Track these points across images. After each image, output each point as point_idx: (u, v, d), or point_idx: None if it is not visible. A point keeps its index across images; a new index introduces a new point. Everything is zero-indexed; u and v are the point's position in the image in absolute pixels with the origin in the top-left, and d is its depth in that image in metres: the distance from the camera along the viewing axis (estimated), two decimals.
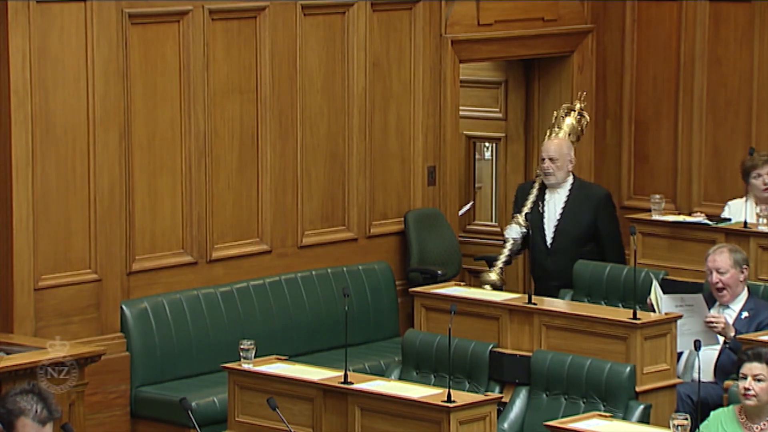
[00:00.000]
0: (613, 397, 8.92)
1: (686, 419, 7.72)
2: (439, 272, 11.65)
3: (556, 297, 10.56)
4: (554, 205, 10.75)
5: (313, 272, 11.36)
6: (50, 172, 10.26)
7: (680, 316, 9.53)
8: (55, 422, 6.76)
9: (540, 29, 12.97)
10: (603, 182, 13.03)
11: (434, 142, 12.40)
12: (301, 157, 11.55)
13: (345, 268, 11.57)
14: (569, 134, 11.07)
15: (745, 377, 8.01)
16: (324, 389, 8.65)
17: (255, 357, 9.02)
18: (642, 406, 8.89)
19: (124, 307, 10.31)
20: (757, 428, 8.05)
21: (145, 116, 10.81)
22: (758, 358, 8.09)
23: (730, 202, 11.50)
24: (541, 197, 10.83)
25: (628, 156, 12.63)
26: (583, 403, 8.95)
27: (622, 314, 9.54)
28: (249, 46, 11.34)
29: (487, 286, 10.78)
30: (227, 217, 11.15)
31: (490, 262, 12.18)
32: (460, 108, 12.75)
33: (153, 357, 10.44)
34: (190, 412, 8.13)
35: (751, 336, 9.32)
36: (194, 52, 11.02)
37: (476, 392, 8.94)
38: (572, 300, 10.53)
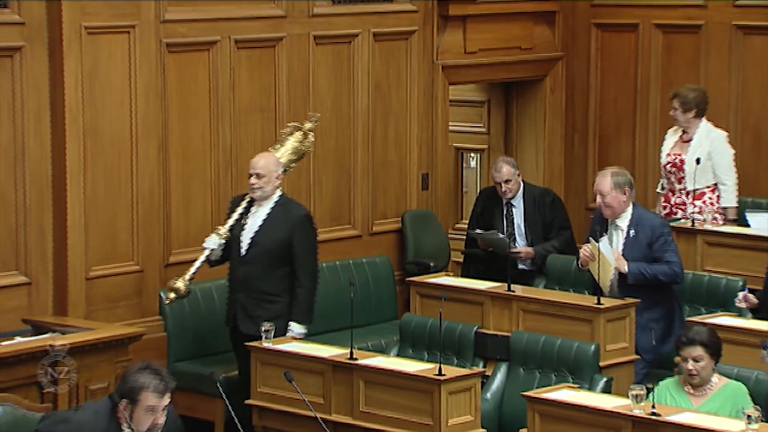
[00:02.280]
0: (580, 371, 8.92)
1: (642, 389, 7.72)
2: (432, 264, 11.65)
3: (249, 309, 9.67)
4: (256, 218, 9.85)
5: (324, 264, 11.31)
6: (99, 178, 10.27)
7: (638, 302, 9.52)
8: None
9: (517, 56, 12.96)
10: (571, 188, 13.01)
11: (427, 152, 12.39)
12: (313, 166, 11.54)
13: (351, 261, 11.59)
14: (290, 153, 10.20)
15: (686, 360, 7.99)
16: (333, 364, 8.68)
17: (274, 337, 9.07)
18: (605, 379, 8.89)
19: (162, 294, 10.29)
20: (699, 394, 8.05)
21: (180, 131, 10.81)
22: (693, 342, 8.04)
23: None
24: (247, 209, 9.90)
25: (593, 165, 12.63)
26: (555, 376, 8.94)
27: (588, 300, 9.57)
28: (269, 70, 11.33)
29: (172, 294, 9.65)
30: None
31: (474, 257, 12.17)
32: (450, 123, 12.72)
33: (186, 337, 10.47)
34: (218, 384, 8.12)
35: (695, 319, 9.31)
36: (222, 76, 11.02)
37: (463, 367, 8.94)
38: (545, 288, 10.52)
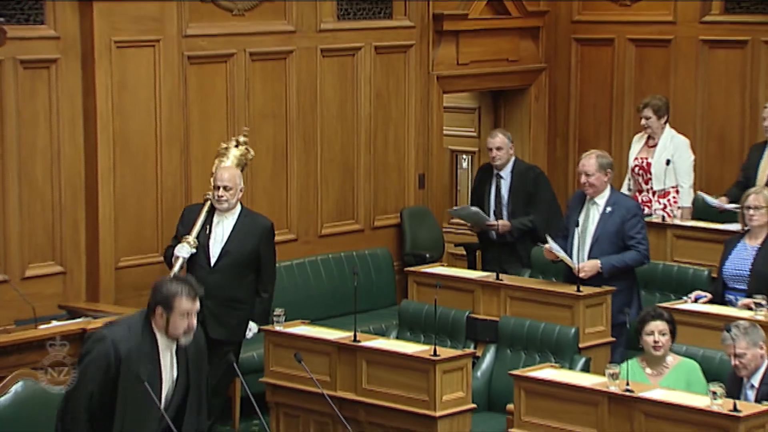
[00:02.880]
0: (561, 352, 8.92)
1: (617, 368, 7.73)
2: (427, 255, 11.64)
3: (220, 316, 9.34)
4: (222, 228, 9.42)
5: (330, 256, 11.35)
6: (127, 178, 10.29)
7: (614, 290, 9.52)
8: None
9: (505, 67, 12.95)
10: (554, 187, 12.99)
11: (423, 154, 12.38)
12: (320, 167, 11.55)
13: (354, 253, 11.57)
14: (236, 165, 9.72)
15: (652, 333, 8.00)
16: (338, 346, 8.68)
17: (285, 321, 9.04)
18: (584, 359, 8.89)
19: None
20: (656, 373, 8.06)
21: (200, 136, 10.82)
22: (660, 316, 8.11)
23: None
24: (209, 220, 9.45)
25: (573, 166, 12.54)
26: (538, 356, 8.94)
27: (569, 288, 9.55)
28: (280, 80, 11.33)
29: None
30: (264, 212, 11.13)
31: (468, 248, 12.18)
32: (444, 128, 12.71)
33: None
34: (234, 364, 8.13)
35: (667, 305, 9.32)
36: (237, 85, 11.03)
37: (456, 348, 8.93)
38: (530, 277, 10.52)
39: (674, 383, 7.93)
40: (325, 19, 11.58)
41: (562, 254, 9.51)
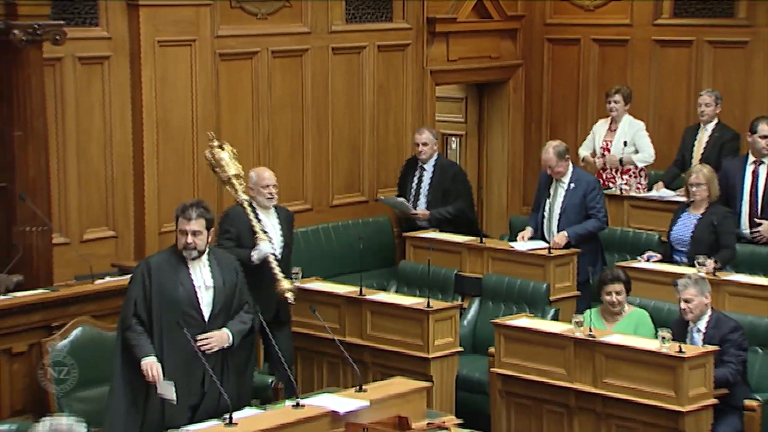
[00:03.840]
0: (535, 304, 8.97)
1: (581, 317, 7.78)
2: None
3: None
4: (273, 226, 8.49)
5: (339, 223, 11.36)
6: (168, 158, 10.30)
7: (579, 252, 9.57)
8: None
9: (488, 63, 12.93)
10: (529, 163, 12.95)
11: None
12: (331, 147, 11.57)
13: (360, 220, 11.57)
14: (234, 164, 8.76)
15: (610, 293, 8.05)
16: (347, 299, 8.76)
17: (302, 278, 9.08)
18: (553, 310, 8.96)
19: (289, 295, 10.19)
20: (612, 320, 8.12)
21: (229, 122, 10.83)
22: (617, 279, 8.15)
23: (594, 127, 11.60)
24: (257, 217, 8.39)
25: (545, 143, 12.61)
26: (515, 308, 8.99)
27: (542, 250, 9.60)
28: (297, 75, 11.33)
29: (289, 294, 8.19)
30: (283, 187, 11.08)
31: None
32: (436, 115, 12.72)
33: None
34: (259, 314, 8.17)
35: (624, 264, 9.37)
36: (261, 78, 11.04)
37: (446, 301, 8.97)
38: (509, 241, 10.56)
39: (625, 329, 8.02)
40: (335, 22, 11.57)
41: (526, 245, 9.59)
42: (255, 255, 8.16)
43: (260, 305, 7.49)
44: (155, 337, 6.88)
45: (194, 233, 6.94)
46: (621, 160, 11.03)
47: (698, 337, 7.71)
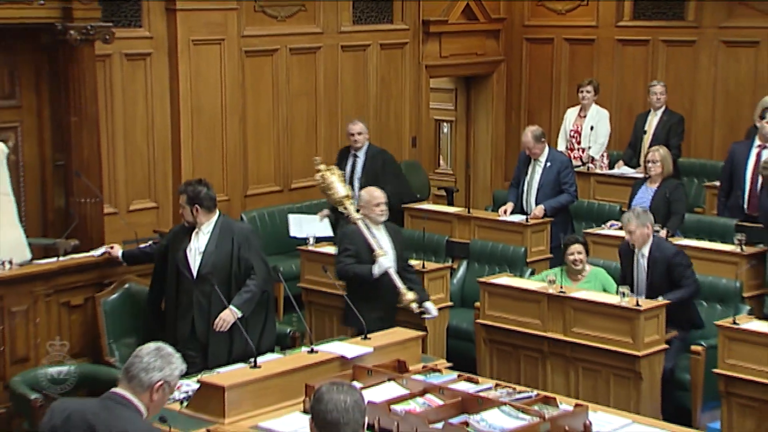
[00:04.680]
0: (515, 266, 8.95)
1: (554, 276, 7.83)
2: (418, 196, 11.54)
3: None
4: (385, 241, 7.76)
5: None
6: (201, 140, 10.36)
7: (552, 221, 9.60)
8: None
9: (475, 59, 12.97)
10: (510, 144, 13.01)
11: (416, 122, 12.42)
12: (340, 132, 11.53)
13: None
14: (341, 181, 8.25)
15: (573, 253, 8.08)
16: None
17: (314, 243, 9.08)
18: (530, 270, 8.93)
19: (243, 215, 10.32)
20: (576, 279, 8.13)
21: (253, 109, 10.88)
22: (578, 241, 8.22)
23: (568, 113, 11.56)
24: (371, 234, 7.69)
25: (524, 128, 12.64)
26: (498, 268, 8.93)
27: (521, 219, 9.59)
28: (311, 69, 11.37)
29: (414, 305, 7.68)
30: (300, 166, 11.20)
31: (447, 190, 12.19)
32: (430, 104, 12.73)
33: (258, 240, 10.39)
34: (279, 273, 8.23)
35: (590, 231, 9.41)
36: (280, 72, 11.07)
37: (439, 263, 8.96)
38: (492, 212, 10.56)
39: (590, 285, 8.04)
40: (343, 24, 11.60)
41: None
42: (375, 269, 7.59)
43: (381, 314, 7.48)
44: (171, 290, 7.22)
45: (182, 207, 7.17)
46: (592, 158, 11.12)
47: (643, 262, 7.79)
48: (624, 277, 7.98)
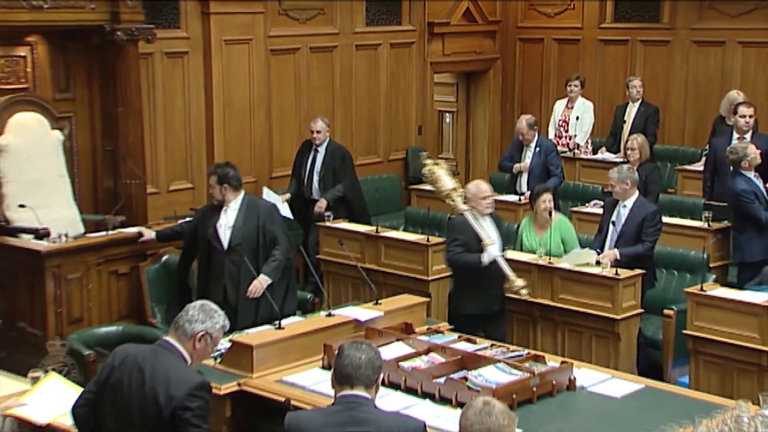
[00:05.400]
0: (510, 239, 8.90)
1: (544, 251, 7.80)
2: (423, 178, 11.61)
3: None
4: (491, 230, 7.19)
5: (361, 178, 11.27)
6: (231, 129, 10.37)
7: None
8: None
9: (474, 57, 12.91)
10: (505, 132, 12.99)
11: (421, 113, 12.39)
12: (354, 121, 11.60)
13: (377, 176, 11.57)
14: (447, 174, 7.61)
15: (544, 201, 7.96)
16: (366, 235, 8.74)
17: (332, 219, 9.08)
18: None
19: (523, 292, 10.09)
20: (542, 229, 8.06)
21: (277, 101, 10.87)
22: (547, 190, 8.08)
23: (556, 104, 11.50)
24: (479, 224, 7.16)
25: (518, 118, 12.64)
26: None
27: (515, 199, 9.60)
28: (328, 65, 11.35)
29: (524, 291, 7.13)
30: None
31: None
32: (434, 96, 12.70)
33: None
34: (300, 246, 8.21)
35: (575, 209, 9.39)
36: (302, 68, 11.07)
37: (441, 237, 8.90)
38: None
39: (555, 238, 7.98)
40: (357, 25, 11.57)
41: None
42: (485, 258, 7.03)
43: (488, 300, 7.20)
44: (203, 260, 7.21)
45: (211, 187, 7.19)
46: (578, 145, 11.11)
47: (624, 212, 7.75)
48: (601, 228, 7.93)
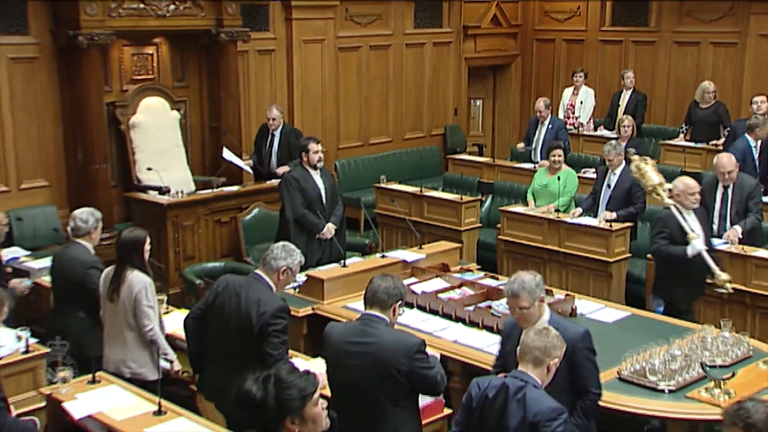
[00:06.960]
0: (525, 199, 8.90)
1: (556, 205, 7.73)
2: (458, 149, 11.61)
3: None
4: (697, 224, 6.10)
5: (409, 150, 11.35)
6: (308, 112, 10.33)
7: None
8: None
9: (499, 53, 12.72)
10: (524, 115, 12.85)
11: (457, 98, 12.22)
12: (404, 105, 11.50)
13: (420, 148, 11.49)
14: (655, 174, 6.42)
15: (554, 155, 7.99)
16: (412, 194, 8.64)
17: (387, 181, 9.00)
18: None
19: (336, 162, 10.29)
20: (553, 173, 7.95)
21: (344, 89, 10.81)
22: (559, 147, 8.10)
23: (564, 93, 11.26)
24: (683, 218, 6.03)
25: (533, 104, 12.48)
26: (513, 201, 8.85)
27: (530, 169, 9.47)
28: (384, 60, 11.25)
29: (728, 285, 5.98)
30: (375, 128, 11.14)
31: (479, 146, 11.97)
32: (469, 86, 12.55)
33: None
34: (361, 202, 8.18)
35: (579, 174, 9.25)
36: (363, 63, 10.98)
37: (472, 197, 8.87)
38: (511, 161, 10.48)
39: (561, 178, 7.94)
40: (407, 28, 11.43)
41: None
42: (689, 251, 5.96)
43: (689, 289, 6.19)
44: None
45: (318, 152, 7.03)
46: (581, 123, 10.95)
47: (614, 179, 7.62)
48: (594, 188, 7.78)
